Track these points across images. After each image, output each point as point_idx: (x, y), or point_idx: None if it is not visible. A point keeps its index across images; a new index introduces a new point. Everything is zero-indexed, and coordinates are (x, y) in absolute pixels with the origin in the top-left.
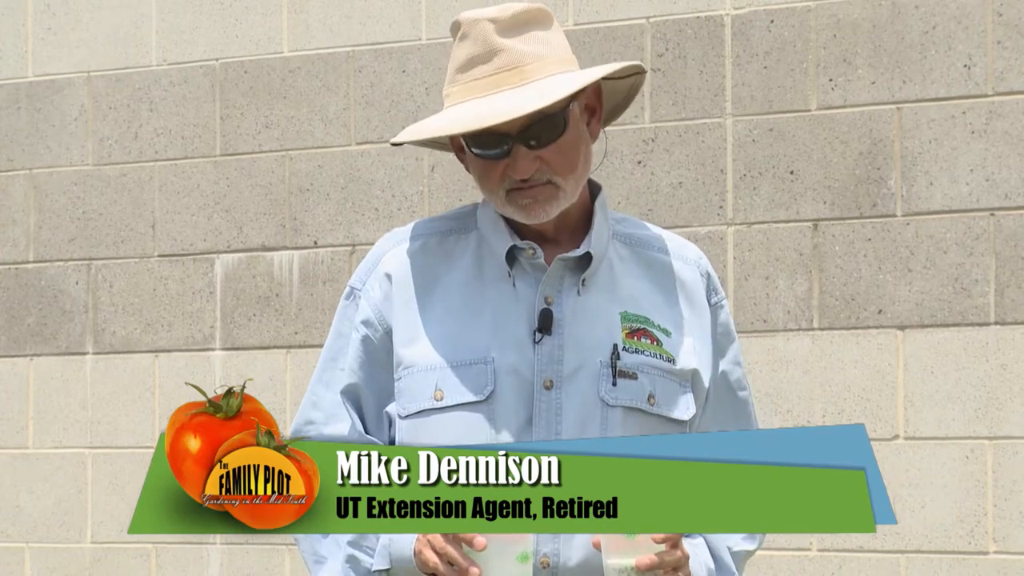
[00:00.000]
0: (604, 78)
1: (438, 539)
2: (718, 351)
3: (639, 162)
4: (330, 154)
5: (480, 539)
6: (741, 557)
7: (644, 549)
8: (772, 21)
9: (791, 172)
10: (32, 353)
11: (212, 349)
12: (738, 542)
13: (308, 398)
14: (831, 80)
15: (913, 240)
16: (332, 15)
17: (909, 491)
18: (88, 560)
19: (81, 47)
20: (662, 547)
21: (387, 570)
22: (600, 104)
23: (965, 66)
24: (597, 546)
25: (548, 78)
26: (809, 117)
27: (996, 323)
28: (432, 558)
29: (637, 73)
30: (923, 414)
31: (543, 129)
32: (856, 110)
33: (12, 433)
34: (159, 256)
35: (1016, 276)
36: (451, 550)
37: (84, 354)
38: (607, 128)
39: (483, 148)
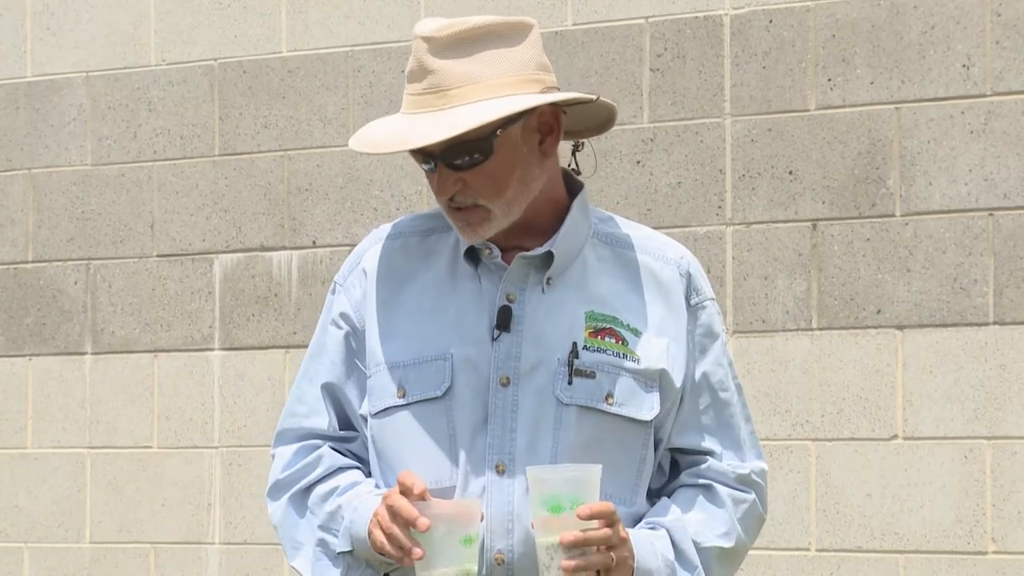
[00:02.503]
0: (553, 104)
1: (385, 519)
2: (699, 352)
3: (638, 162)
4: (329, 154)
5: (424, 520)
6: (712, 553)
7: (571, 526)
8: (771, 21)
9: (790, 172)
10: (31, 353)
11: (211, 349)
12: (710, 537)
13: (294, 391)
14: (830, 80)
15: (912, 240)
16: (331, 15)
17: (908, 491)
18: (87, 560)
19: (80, 47)
20: (593, 524)
21: (350, 551)
22: (558, 123)
23: (964, 66)
24: (534, 527)
25: (472, 104)
26: (808, 117)
27: (995, 323)
28: (380, 537)
29: (589, 102)
30: (922, 414)
31: (464, 153)
32: (855, 110)
33: (11, 433)
34: (158, 256)
35: (1015, 276)
36: (396, 530)
37: (83, 354)
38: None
39: (418, 161)
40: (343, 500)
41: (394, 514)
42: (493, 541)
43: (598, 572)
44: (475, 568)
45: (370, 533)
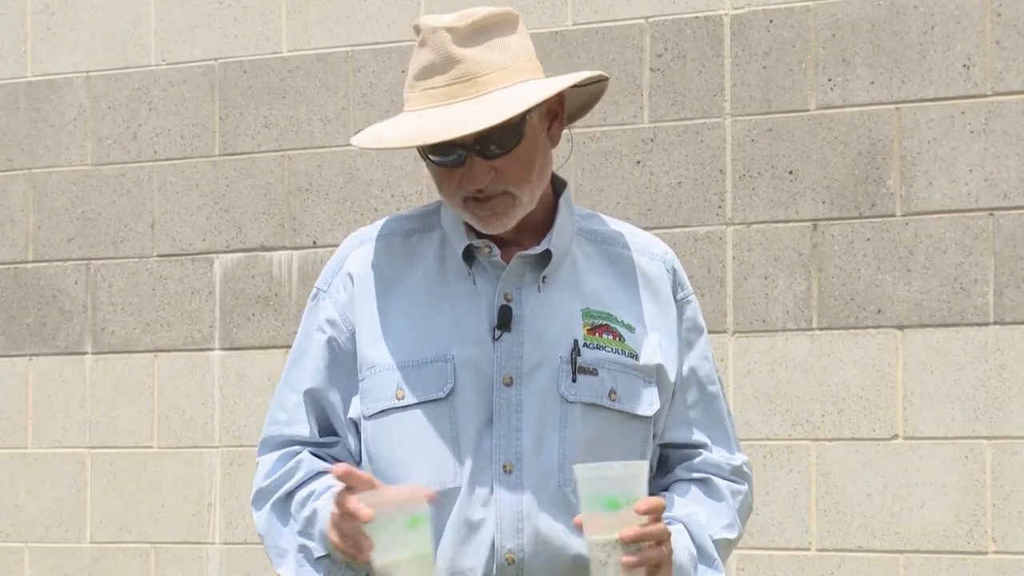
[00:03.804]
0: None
1: (337, 517)
2: (686, 346)
3: (638, 162)
4: (329, 154)
5: (365, 511)
6: (721, 545)
7: (628, 521)
8: (771, 21)
9: (790, 172)
10: (31, 353)
11: (211, 349)
12: (718, 530)
13: (276, 398)
14: (830, 80)
15: (912, 240)
16: (331, 15)
17: (908, 491)
18: (87, 560)
19: (80, 47)
20: (644, 519)
21: (328, 555)
22: (562, 108)
23: (964, 66)
24: (579, 525)
25: (504, 89)
26: (808, 117)
27: (995, 323)
28: (335, 537)
29: (600, 81)
30: (922, 414)
31: (498, 140)
32: (855, 110)
33: (11, 433)
34: (158, 256)
35: (1015, 276)
36: (348, 527)
37: (83, 354)
38: (605, 128)
39: (439, 155)
40: (318, 504)
41: (342, 511)
42: (503, 541)
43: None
44: (429, 549)
45: (329, 537)
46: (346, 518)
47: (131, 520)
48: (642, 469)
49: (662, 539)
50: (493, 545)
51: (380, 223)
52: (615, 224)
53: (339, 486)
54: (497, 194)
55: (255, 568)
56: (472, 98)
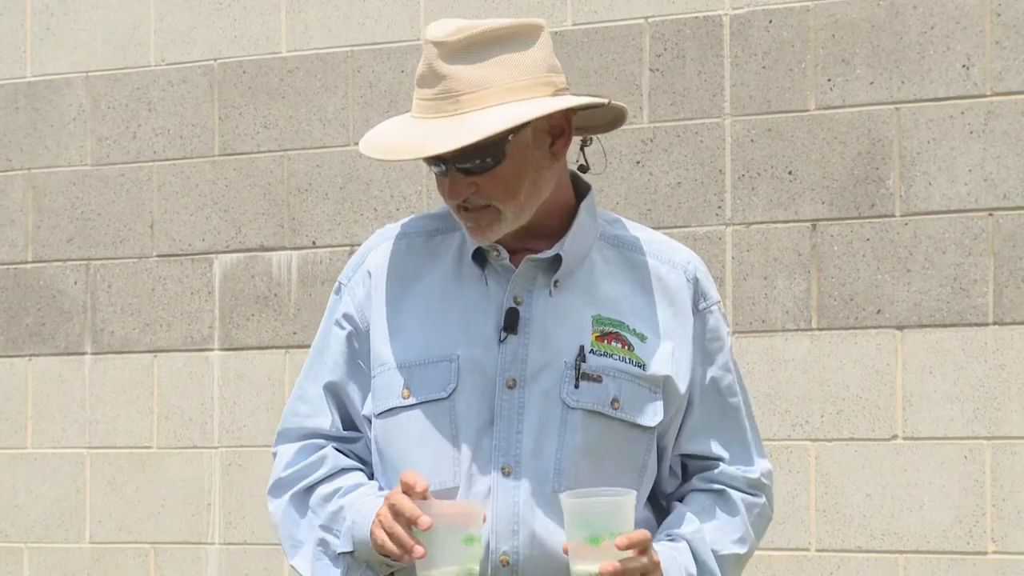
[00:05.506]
0: (559, 111)
1: (387, 518)
2: (706, 357)
3: (637, 162)
4: (329, 154)
5: (425, 519)
6: (730, 561)
7: (609, 555)
8: (771, 21)
9: (790, 172)
10: (30, 353)
11: (211, 349)
12: (727, 545)
13: (296, 391)
14: (830, 80)
15: (912, 240)
16: (330, 15)
17: (907, 491)
18: (87, 560)
19: (79, 47)
20: (628, 553)
21: (351, 552)
22: (569, 125)
23: (964, 66)
24: (567, 551)
25: (484, 110)
26: (808, 117)
27: (995, 323)
28: (381, 536)
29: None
30: (921, 414)
31: (476, 158)
32: (855, 110)
33: (10, 433)
34: (158, 256)
35: (1014, 276)
36: (398, 529)
37: (83, 354)
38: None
39: (428, 164)
40: (346, 501)
41: (396, 513)
42: (498, 543)
43: None
44: (477, 568)
45: (372, 533)
46: (400, 520)
47: (131, 520)
48: (629, 502)
49: (646, 571)
50: (488, 547)
51: (406, 220)
52: (640, 230)
53: (370, 485)
54: (480, 207)
55: (255, 568)
56: (450, 116)
